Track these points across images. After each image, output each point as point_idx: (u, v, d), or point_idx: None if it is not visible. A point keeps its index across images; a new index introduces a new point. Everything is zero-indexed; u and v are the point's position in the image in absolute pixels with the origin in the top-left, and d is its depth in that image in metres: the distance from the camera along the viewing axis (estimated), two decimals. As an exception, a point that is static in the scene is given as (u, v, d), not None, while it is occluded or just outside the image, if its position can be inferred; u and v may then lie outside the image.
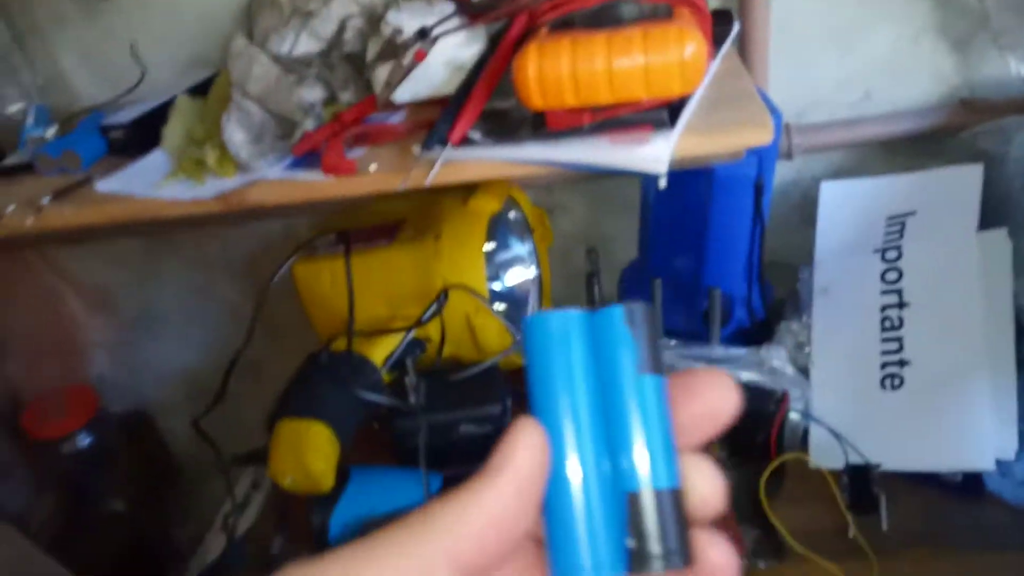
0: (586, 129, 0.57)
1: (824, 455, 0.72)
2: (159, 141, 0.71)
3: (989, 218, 0.74)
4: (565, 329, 0.25)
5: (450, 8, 0.67)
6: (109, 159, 0.75)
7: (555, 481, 0.24)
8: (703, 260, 0.79)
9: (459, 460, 0.76)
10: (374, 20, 0.71)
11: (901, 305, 0.74)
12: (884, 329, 0.75)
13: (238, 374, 0.75)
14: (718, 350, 0.80)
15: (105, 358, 1.16)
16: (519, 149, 0.59)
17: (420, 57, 0.64)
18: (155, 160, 0.71)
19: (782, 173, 0.92)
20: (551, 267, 0.93)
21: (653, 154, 0.55)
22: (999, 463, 0.67)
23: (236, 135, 0.64)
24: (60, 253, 1.09)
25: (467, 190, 0.83)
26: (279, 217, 1.01)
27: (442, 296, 0.77)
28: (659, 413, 0.24)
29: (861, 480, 0.68)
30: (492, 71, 0.61)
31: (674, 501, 0.24)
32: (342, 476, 0.74)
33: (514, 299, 0.93)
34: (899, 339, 0.73)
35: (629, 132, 0.57)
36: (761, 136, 0.55)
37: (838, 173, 0.91)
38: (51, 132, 0.78)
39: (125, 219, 0.66)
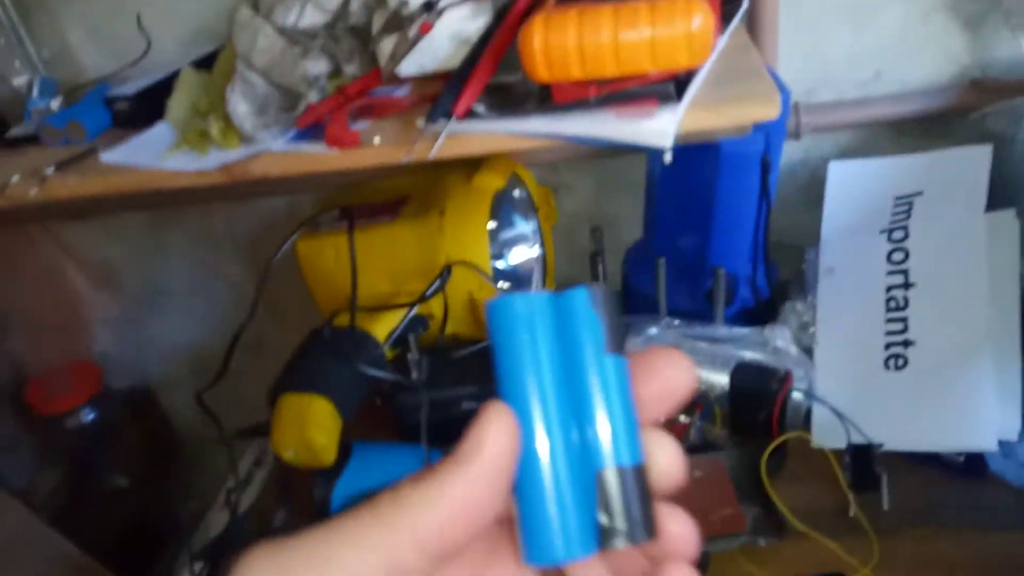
0: (592, 102, 0.56)
1: (826, 435, 0.72)
2: (163, 113, 0.71)
3: (997, 199, 0.73)
4: (530, 312, 0.25)
5: (456, -20, 0.66)
6: (114, 131, 0.75)
7: (525, 462, 0.24)
8: (708, 238, 0.79)
9: (460, 437, 0.76)
10: (380, -8, 0.70)
11: (907, 285, 0.74)
12: (889, 309, 0.74)
13: (241, 350, 0.75)
14: (721, 330, 0.80)
15: (109, 334, 1.16)
16: (524, 122, 0.58)
17: (425, 29, 0.64)
18: (159, 132, 0.71)
19: (790, 153, 0.91)
20: (555, 246, 0.93)
21: (659, 128, 0.54)
22: (1002, 444, 0.66)
23: (240, 106, 0.64)
24: (64, 228, 1.09)
25: (471, 167, 0.82)
26: (283, 193, 1.00)
27: (445, 272, 0.77)
28: (623, 392, 0.25)
29: (863, 460, 0.68)
30: (498, 44, 0.60)
31: (639, 477, 0.25)
32: (344, 451, 0.74)
33: (518, 278, 0.92)
34: (904, 319, 0.73)
35: (635, 105, 0.56)
36: (768, 111, 0.55)
37: (846, 153, 0.90)
38: (56, 103, 0.78)
39: (129, 189, 0.66)
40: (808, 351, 0.78)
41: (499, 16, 0.62)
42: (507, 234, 0.92)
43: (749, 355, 0.76)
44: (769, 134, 0.71)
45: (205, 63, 0.75)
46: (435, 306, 0.79)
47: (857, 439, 0.70)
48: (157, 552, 0.90)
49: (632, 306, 0.90)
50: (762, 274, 0.82)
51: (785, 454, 0.70)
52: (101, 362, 1.13)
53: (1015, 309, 0.70)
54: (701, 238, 0.80)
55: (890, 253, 0.76)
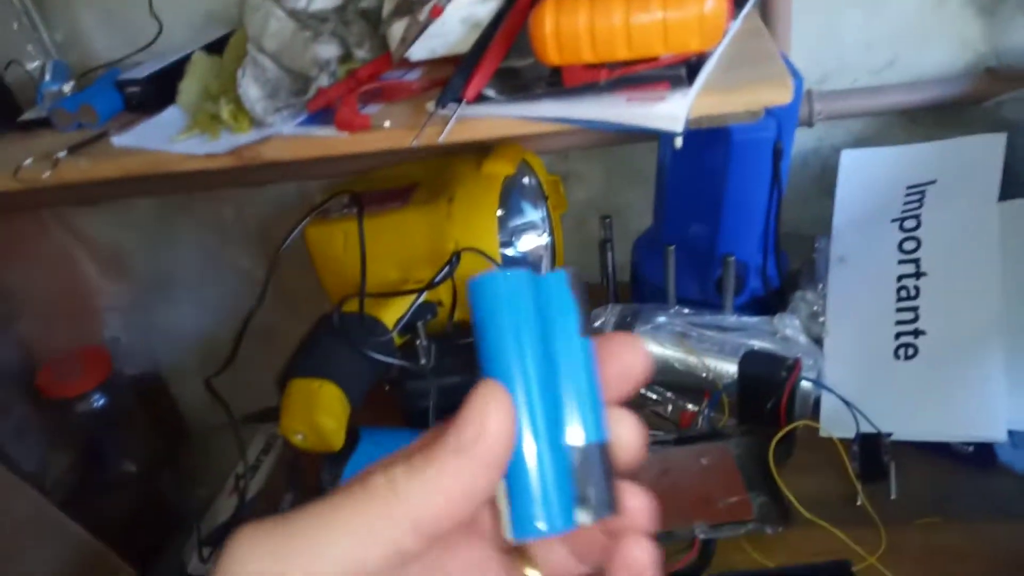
0: (602, 86, 0.56)
1: (835, 424, 0.72)
2: (175, 97, 0.71)
3: (1011, 188, 0.73)
4: (515, 290, 0.25)
5: (467, -36, 0.66)
6: (125, 114, 0.75)
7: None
8: (718, 226, 0.78)
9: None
10: (391, -24, 0.70)
11: (918, 275, 0.74)
12: (900, 299, 0.74)
13: (250, 338, 0.75)
14: (731, 318, 0.79)
15: (119, 320, 1.17)
16: (534, 106, 0.58)
17: (436, 13, 0.64)
18: (170, 115, 0.71)
19: (802, 141, 0.91)
20: (565, 235, 0.93)
21: (670, 112, 0.54)
22: (1011, 434, 0.66)
23: (251, 90, 0.64)
24: (75, 215, 1.09)
25: (481, 154, 0.82)
26: (293, 179, 1.01)
27: (454, 259, 0.77)
28: (592, 373, 0.25)
29: (871, 449, 0.68)
30: (509, 27, 0.60)
31: (606, 454, 0.25)
32: (352, 436, 0.74)
33: (527, 265, 0.93)
34: (915, 309, 0.73)
35: (646, 89, 0.56)
36: (781, 95, 0.55)
37: (859, 142, 0.90)
38: (68, 87, 0.78)
39: (140, 173, 0.67)
40: (818, 340, 0.77)
41: (510, 0, 0.62)
42: (516, 221, 0.92)
43: (758, 344, 0.75)
44: (781, 121, 0.71)
45: (216, 47, 0.76)
46: (444, 293, 0.79)
47: (866, 428, 0.69)
48: (166, 537, 0.90)
49: (641, 295, 0.90)
50: (772, 263, 0.82)
51: (793, 443, 0.70)
52: (111, 348, 1.13)
53: (1027, 299, 0.69)
54: (711, 226, 0.79)
55: (902, 242, 0.76)
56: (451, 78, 0.59)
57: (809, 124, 0.85)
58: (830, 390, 0.73)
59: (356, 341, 0.72)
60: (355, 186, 0.88)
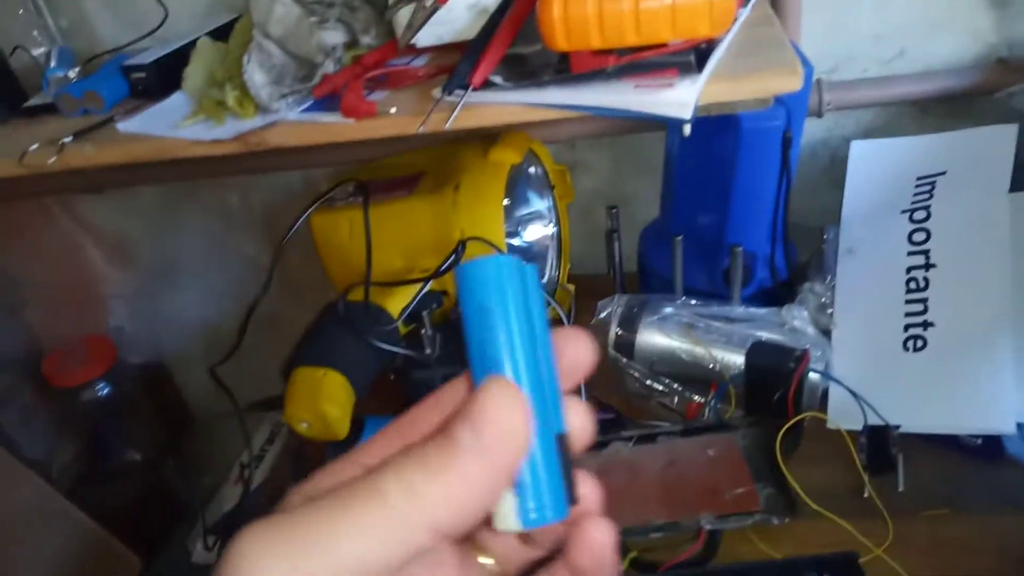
0: (610, 72, 0.56)
1: (842, 416, 0.71)
2: (180, 83, 0.71)
3: (1022, 180, 0.72)
4: (510, 276, 0.24)
5: (474, -50, 0.66)
6: (131, 100, 0.75)
7: None
8: (726, 216, 0.78)
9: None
10: (397, -38, 0.69)
11: (928, 266, 0.73)
12: (909, 290, 0.73)
13: (255, 326, 0.75)
14: (738, 309, 0.79)
15: (124, 308, 1.17)
16: (541, 93, 0.58)
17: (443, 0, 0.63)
18: (176, 101, 0.71)
19: (811, 132, 0.90)
20: (571, 225, 0.92)
21: (678, 98, 0.53)
22: (1020, 426, 0.65)
23: (256, 76, 0.63)
24: (80, 203, 1.09)
25: (487, 142, 0.82)
26: (298, 168, 1.00)
27: (460, 248, 0.76)
28: (554, 364, 0.26)
29: (879, 441, 0.67)
30: (516, 13, 0.60)
31: (566, 443, 0.25)
32: (357, 426, 0.74)
33: (532, 256, 0.92)
34: (924, 301, 0.72)
35: (654, 76, 0.55)
36: (790, 82, 0.54)
37: (868, 133, 0.89)
38: (74, 73, 0.78)
39: (146, 158, 0.66)
40: (826, 332, 0.77)
41: (518, -15, 0.62)
42: (522, 211, 0.91)
43: (765, 335, 0.75)
44: (791, 109, 0.70)
45: (222, 33, 0.75)
46: (449, 282, 0.79)
47: (874, 420, 0.69)
48: (171, 525, 0.90)
49: (648, 285, 0.90)
50: (781, 254, 0.81)
51: (800, 434, 0.70)
52: (116, 336, 1.13)
53: (1037, 291, 0.69)
54: (719, 216, 0.79)
55: (911, 233, 0.75)
56: (458, 64, 0.59)
57: (818, 114, 0.84)
58: (838, 382, 0.73)
59: (361, 330, 0.72)
60: (361, 174, 0.88)
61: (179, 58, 0.73)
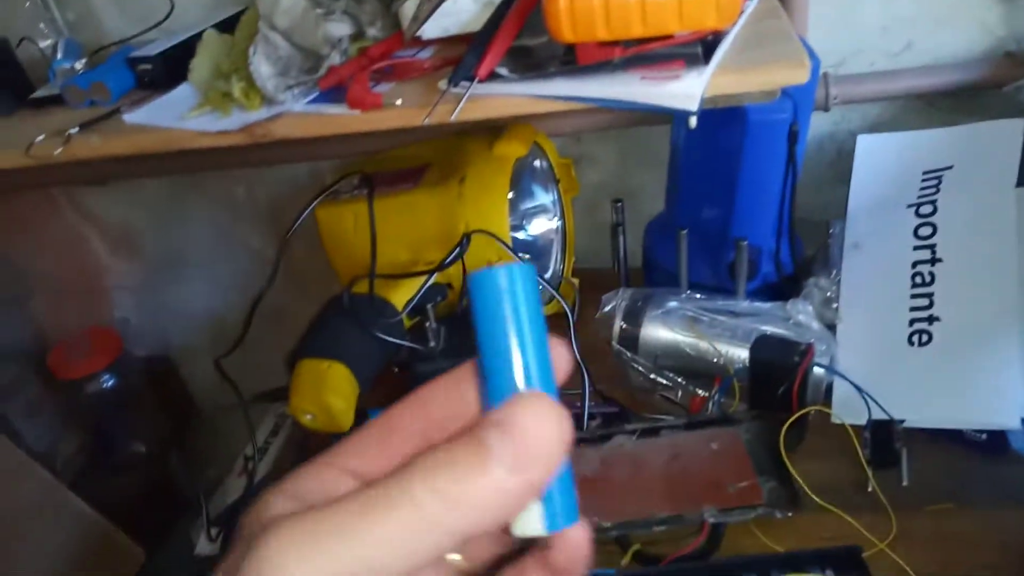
0: (616, 64, 0.56)
1: (847, 410, 0.71)
2: (186, 75, 0.71)
3: (1029, 175, 0.72)
4: (523, 284, 0.24)
5: (481, -59, 0.65)
6: (137, 92, 0.75)
7: None
8: (732, 209, 0.78)
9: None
10: (403, -46, 0.69)
11: (933, 261, 0.73)
12: (915, 285, 0.73)
13: (260, 318, 0.75)
14: (743, 304, 0.79)
15: (129, 300, 1.17)
16: (547, 85, 0.58)
17: (449, -9, 0.63)
18: (182, 93, 0.71)
19: (818, 126, 0.90)
20: (576, 218, 0.92)
21: (685, 90, 0.53)
22: (1025, 422, 0.66)
23: (262, 67, 0.63)
24: (86, 194, 1.09)
25: (493, 135, 0.82)
26: (304, 159, 1.00)
27: (464, 241, 0.76)
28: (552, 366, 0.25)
29: (883, 435, 0.67)
30: (522, 5, 0.59)
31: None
32: (361, 418, 0.74)
33: (537, 249, 0.92)
34: (930, 295, 0.72)
35: (661, 67, 0.55)
36: (797, 74, 0.54)
37: (875, 127, 0.89)
38: (80, 65, 0.78)
39: (152, 150, 0.66)
40: (831, 327, 0.77)
41: (524, -23, 0.62)
42: (527, 204, 0.91)
43: (770, 329, 0.75)
44: (797, 102, 0.70)
45: (228, 25, 0.75)
46: (454, 275, 0.79)
47: (878, 415, 0.69)
48: (175, 517, 0.91)
49: (653, 279, 0.90)
50: (786, 249, 0.81)
51: (804, 429, 0.70)
52: (121, 328, 1.14)
53: (1044, 286, 0.68)
54: (725, 209, 0.79)
55: (917, 228, 0.75)
56: (464, 56, 0.59)
57: (825, 108, 0.84)
58: (843, 376, 0.72)
59: (366, 322, 0.72)
60: (366, 167, 0.88)
61: (185, 50, 0.73)
